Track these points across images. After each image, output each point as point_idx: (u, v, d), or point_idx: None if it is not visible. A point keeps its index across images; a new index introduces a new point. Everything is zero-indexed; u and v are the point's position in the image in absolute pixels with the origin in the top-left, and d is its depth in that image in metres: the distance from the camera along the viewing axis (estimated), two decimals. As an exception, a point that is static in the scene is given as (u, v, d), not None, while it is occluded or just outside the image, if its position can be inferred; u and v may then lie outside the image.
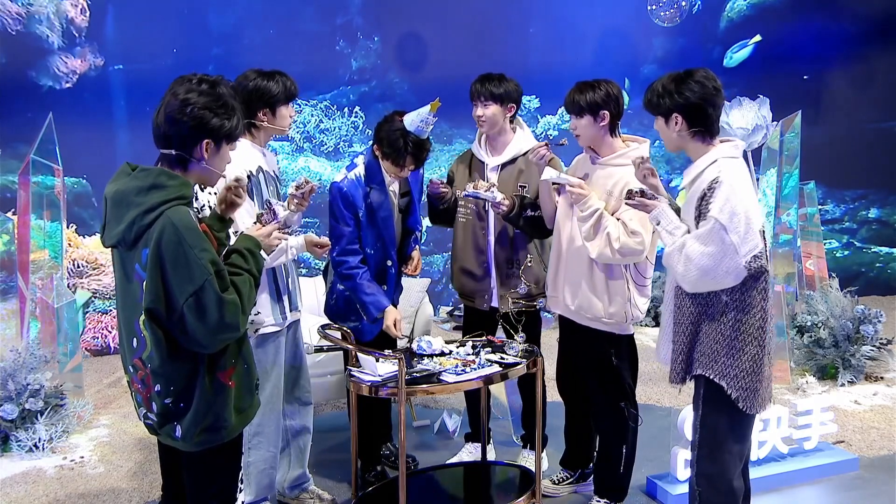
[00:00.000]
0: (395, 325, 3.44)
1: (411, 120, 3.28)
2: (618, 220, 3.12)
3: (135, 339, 2.21)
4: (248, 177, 3.01)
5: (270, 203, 2.62)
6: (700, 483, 2.72)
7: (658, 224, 2.70)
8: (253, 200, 3.00)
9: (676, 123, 2.64)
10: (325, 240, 3.26)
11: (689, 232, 2.63)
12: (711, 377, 2.63)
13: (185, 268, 2.10)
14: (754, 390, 2.62)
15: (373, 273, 3.50)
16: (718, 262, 2.52)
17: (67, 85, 5.72)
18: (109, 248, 2.27)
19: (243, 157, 2.97)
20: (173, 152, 2.22)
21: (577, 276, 3.27)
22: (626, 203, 2.81)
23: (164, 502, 2.54)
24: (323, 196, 3.52)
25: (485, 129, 3.59)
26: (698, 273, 2.55)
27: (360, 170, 3.46)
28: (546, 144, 3.31)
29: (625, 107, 3.27)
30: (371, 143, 3.46)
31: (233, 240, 2.44)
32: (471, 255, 3.65)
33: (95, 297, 5.96)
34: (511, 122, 3.61)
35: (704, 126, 2.64)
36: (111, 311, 5.98)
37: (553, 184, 3.31)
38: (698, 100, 2.61)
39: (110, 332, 6.00)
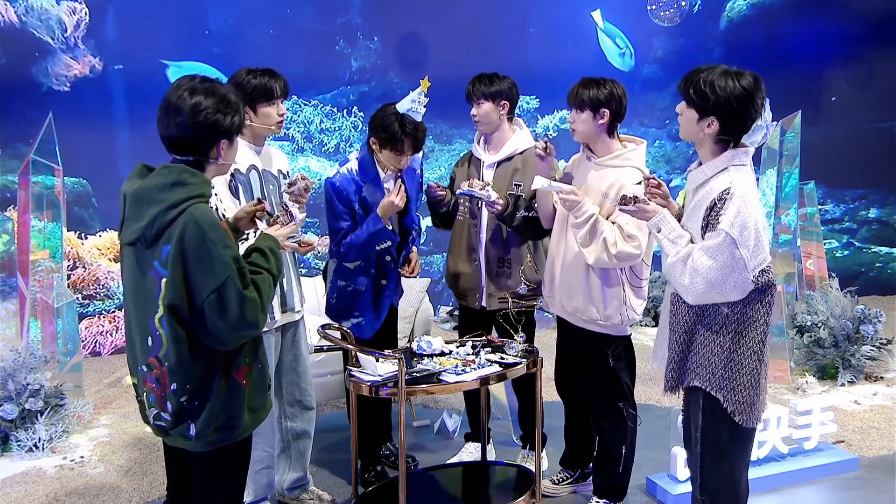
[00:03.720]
0: (393, 198, 3.35)
1: (403, 104, 3.29)
2: (613, 223, 3.11)
3: (149, 338, 2.21)
4: (233, 175, 3.00)
5: (287, 205, 2.64)
6: (704, 494, 2.68)
7: (659, 232, 2.60)
8: (238, 199, 3.00)
9: (710, 125, 2.50)
10: (308, 238, 3.22)
11: (691, 241, 2.55)
12: (708, 390, 2.57)
13: (209, 264, 2.12)
14: (751, 404, 2.55)
15: (373, 268, 3.50)
16: (727, 277, 2.44)
17: (67, 85, 5.72)
18: (124, 246, 2.28)
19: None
20: (191, 158, 2.26)
21: (573, 280, 3.26)
22: (621, 210, 2.72)
23: (170, 502, 2.54)
24: (320, 195, 3.51)
25: (480, 128, 3.59)
26: (705, 286, 2.46)
27: (352, 164, 3.46)
28: (546, 142, 3.30)
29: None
30: (367, 138, 3.45)
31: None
32: (463, 253, 3.66)
33: (95, 299, 5.96)
34: (510, 121, 3.61)
35: (734, 136, 2.53)
36: (104, 313, 5.98)
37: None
38: (744, 115, 2.48)
39: (110, 337, 6.00)
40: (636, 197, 2.68)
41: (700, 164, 2.62)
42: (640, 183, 2.76)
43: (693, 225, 2.57)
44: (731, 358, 2.53)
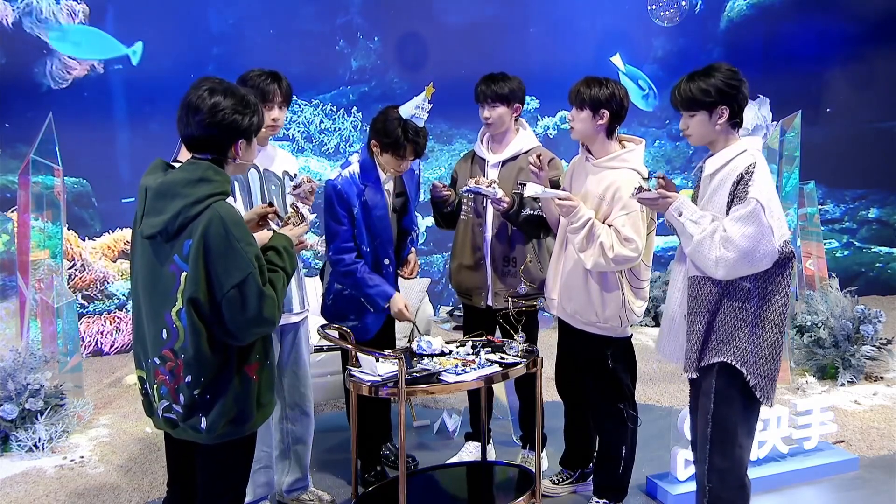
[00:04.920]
0: (406, 309, 3.46)
1: (407, 108, 3.29)
2: (609, 226, 3.10)
3: (164, 331, 2.24)
4: None
5: (297, 206, 2.66)
6: (711, 479, 2.72)
7: (680, 215, 2.67)
8: (234, 196, 3.00)
9: (721, 116, 2.65)
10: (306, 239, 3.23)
11: (714, 219, 2.62)
12: (732, 363, 2.64)
13: (232, 260, 2.17)
14: (772, 378, 2.65)
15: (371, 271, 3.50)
16: (758, 244, 2.52)
17: (67, 85, 5.72)
18: (140, 239, 2.30)
19: None
20: (209, 156, 2.30)
21: (573, 282, 3.26)
22: (639, 199, 2.78)
23: (171, 498, 2.54)
24: (320, 195, 3.51)
25: (491, 130, 3.59)
26: (737, 255, 2.54)
27: (354, 167, 3.45)
28: (539, 156, 3.30)
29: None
30: (367, 140, 3.45)
31: None
32: (468, 251, 3.65)
33: (96, 300, 5.96)
34: (515, 121, 3.62)
35: (740, 117, 2.69)
36: (105, 313, 5.98)
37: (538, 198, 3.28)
38: (742, 88, 2.66)
39: (110, 336, 6.00)
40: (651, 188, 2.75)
41: (713, 154, 2.73)
42: (647, 178, 2.80)
43: (714, 205, 2.66)
44: (754, 332, 2.63)
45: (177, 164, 2.36)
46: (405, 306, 3.46)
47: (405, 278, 3.67)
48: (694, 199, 2.81)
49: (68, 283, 5.54)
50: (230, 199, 2.94)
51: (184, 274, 2.19)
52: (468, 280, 3.68)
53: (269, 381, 2.42)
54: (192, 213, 2.18)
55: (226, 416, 2.27)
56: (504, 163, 3.59)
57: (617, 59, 6.85)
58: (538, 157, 3.28)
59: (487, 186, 3.39)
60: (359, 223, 3.43)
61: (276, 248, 2.41)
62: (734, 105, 2.66)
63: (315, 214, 2.87)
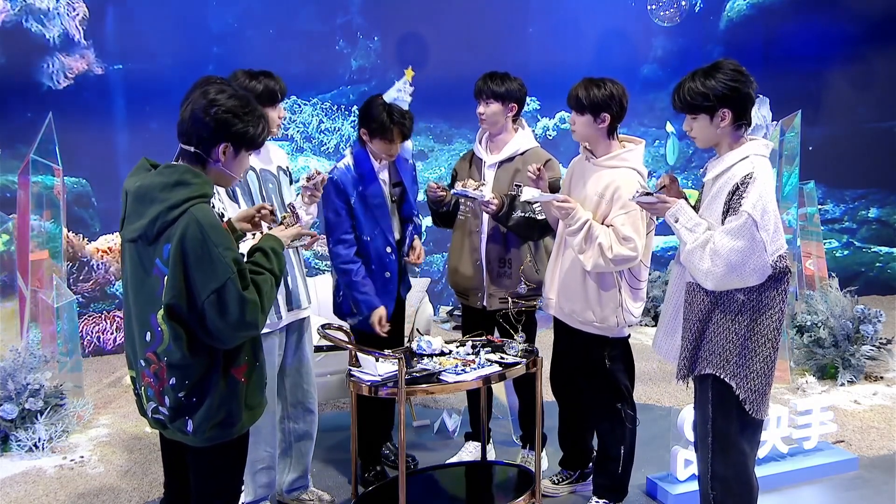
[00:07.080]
0: (378, 323, 3.45)
1: (390, 93, 3.37)
2: (609, 226, 3.10)
3: (148, 333, 2.22)
4: None
5: (294, 206, 2.66)
6: (715, 487, 2.69)
7: (676, 221, 2.64)
8: (237, 202, 3.00)
9: (723, 119, 2.58)
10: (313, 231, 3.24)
11: (709, 228, 2.59)
12: (722, 377, 2.60)
13: (209, 265, 2.13)
14: (763, 393, 2.59)
15: (374, 261, 3.51)
16: (747, 259, 2.48)
17: (67, 84, 5.71)
18: (125, 243, 2.28)
19: None
20: (192, 149, 2.25)
21: (570, 282, 3.26)
22: (638, 203, 2.76)
23: (167, 499, 2.54)
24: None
25: (486, 127, 3.59)
26: (725, 269, 2.50)
27: (348, 159, 3.51)
28: (539, 168, 3.30)
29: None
30: (357, 130, 3.48)
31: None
32: (465, 252, 3.66)
33: (97, 300, 5.96)
34: (514, 121, 3.61)
35: (746, 118, 2.61)
36: (105, 312, 5.98)
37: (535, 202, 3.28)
38: (745, 89, 2.57)
39: (111, 336, 6.00)
40: (651, 191, 2.73)
41: (716, 157, 2.68)
42: (662, 188, 2.77)
43: (712, 213, 2.61)
44: (746, 345, 2.57)
45: None
46: (380, 321, 3.45)
47: (412, 264, 3.68)
48: (699, 200, 2.80)
49: (69, 284, 5.54)
50: (228, 203, 2.94)
51: (166, 277, 2.15)
52: (465, 280, 3.68)
53: (260, 382, 2.39)
54: (170, 218, 2.14)
55: (212, 418, 2.24)
56: (501, 164, 3.59)
57: (669, 127, 7.07)
58: (538, 168, 3.27)
59: (474, 189, 3.40)
60: (358, 213, 3.45)
61: (263, 249, 2.36)
62: (737, 107, 2.58)
63: (311, 216, 2.88)
